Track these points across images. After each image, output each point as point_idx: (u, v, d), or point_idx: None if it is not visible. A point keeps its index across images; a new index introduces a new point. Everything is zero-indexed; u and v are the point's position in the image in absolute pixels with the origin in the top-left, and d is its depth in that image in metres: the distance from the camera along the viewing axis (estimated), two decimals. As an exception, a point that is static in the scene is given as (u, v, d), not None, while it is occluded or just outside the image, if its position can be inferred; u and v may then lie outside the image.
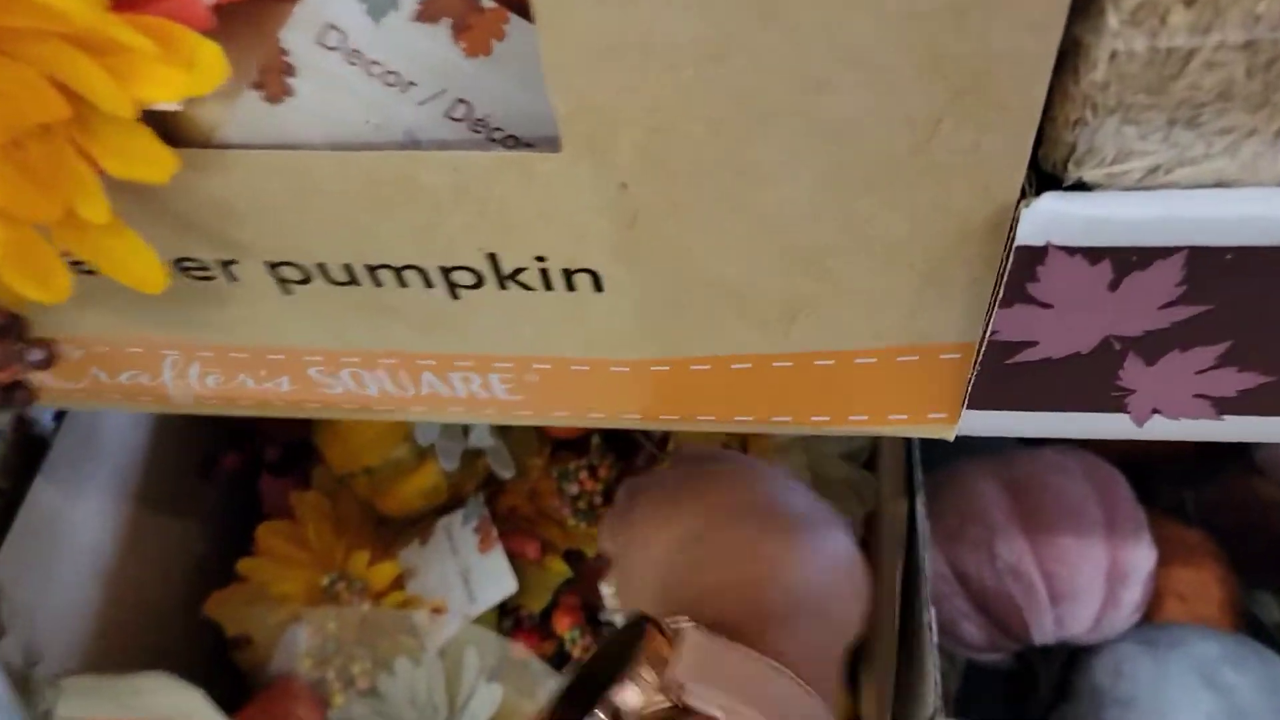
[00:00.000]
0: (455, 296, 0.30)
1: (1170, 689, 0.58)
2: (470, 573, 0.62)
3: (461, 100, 0.26)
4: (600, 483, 0.63)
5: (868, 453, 0.64)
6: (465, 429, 0.61)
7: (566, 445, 0.66)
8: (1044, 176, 0.27)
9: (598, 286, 0.29)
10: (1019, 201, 0.26)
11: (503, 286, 0.29)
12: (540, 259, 0.28)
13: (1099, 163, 0.26)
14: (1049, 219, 0.26)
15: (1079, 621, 0.62)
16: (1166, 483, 0.75)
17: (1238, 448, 0.71)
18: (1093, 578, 0.62)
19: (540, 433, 0.65)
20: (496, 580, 0.62)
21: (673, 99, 0.24)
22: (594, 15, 0.22)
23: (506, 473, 0.63)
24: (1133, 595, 0.62)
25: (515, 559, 0.62)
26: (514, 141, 0.27)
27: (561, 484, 0.63)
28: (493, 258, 0.28)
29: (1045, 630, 0.62)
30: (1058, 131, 0.26)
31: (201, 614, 0.63)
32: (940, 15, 0.22)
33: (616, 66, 0.23)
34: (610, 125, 0.24)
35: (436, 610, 0.62)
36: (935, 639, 0.45)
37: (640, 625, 0.29)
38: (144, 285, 0.27)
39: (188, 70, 0.23)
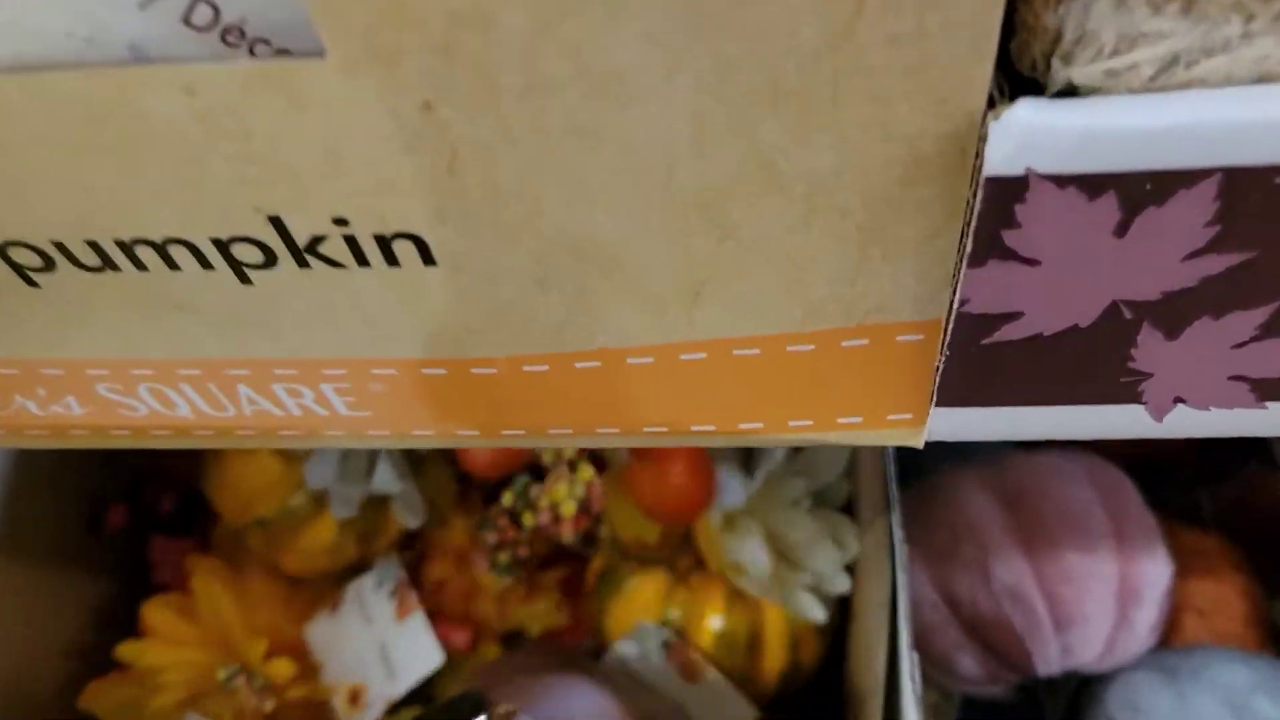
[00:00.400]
0: (245, 280, 0.23)
1: (1197, 725, 0.51)
2: (389, 646, 0.54)
3: (203, 0, 0.19)
4: (526, 531, 0.54)
5: (844, 492, 0.55)
6: (369, 469, 0.52)
7: (497, 485, 0.57)
8: (1019, 81, 0.20)
9: (427, 258, 0.22)
10: (986, 114, 0.19)
11: (302, 263, 0.22)
12: (341, 222, 0.21)
13: (1095, 55, 0.19)
14: (1029, 136, 0.19)
15: (1088, 648, 0.54)
16: (1177, 482, 0.68)
17: (1257, 440, 0.64)
18: (1102, 598, 0.54)
19: (457, 471, 0.57)
20: (419, 653, 0.53)
21: (480, -29, 0.16)
22: None
23: (414, 521, 0.54)
24: (1147, 615, 0.55)
25: (445, 649, 0.54)
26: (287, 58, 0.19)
27: (481, 531, 0.55)
28: (278, 222, 0.21)
29: (1050, 660, 0.54)
30: (1036, 13, 0.19)
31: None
32: None
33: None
34: (392, 11, 0.17)
35: (354, 696, 0.54)
36: (919, 689, 0.37)
37: (475, 699, 0.30)
38: None
39: None
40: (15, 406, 0.28)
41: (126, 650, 0.53)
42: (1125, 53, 0.19)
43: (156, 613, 0.54)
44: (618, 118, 0.19)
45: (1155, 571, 0.55)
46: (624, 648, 0.51)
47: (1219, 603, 0.59)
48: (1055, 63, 0.19)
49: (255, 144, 0.19)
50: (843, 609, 0.56)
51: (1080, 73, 0.19)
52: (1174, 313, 0.22)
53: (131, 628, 0.54)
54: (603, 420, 0.27)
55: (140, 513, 0.59)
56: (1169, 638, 0.58)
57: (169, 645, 0.54)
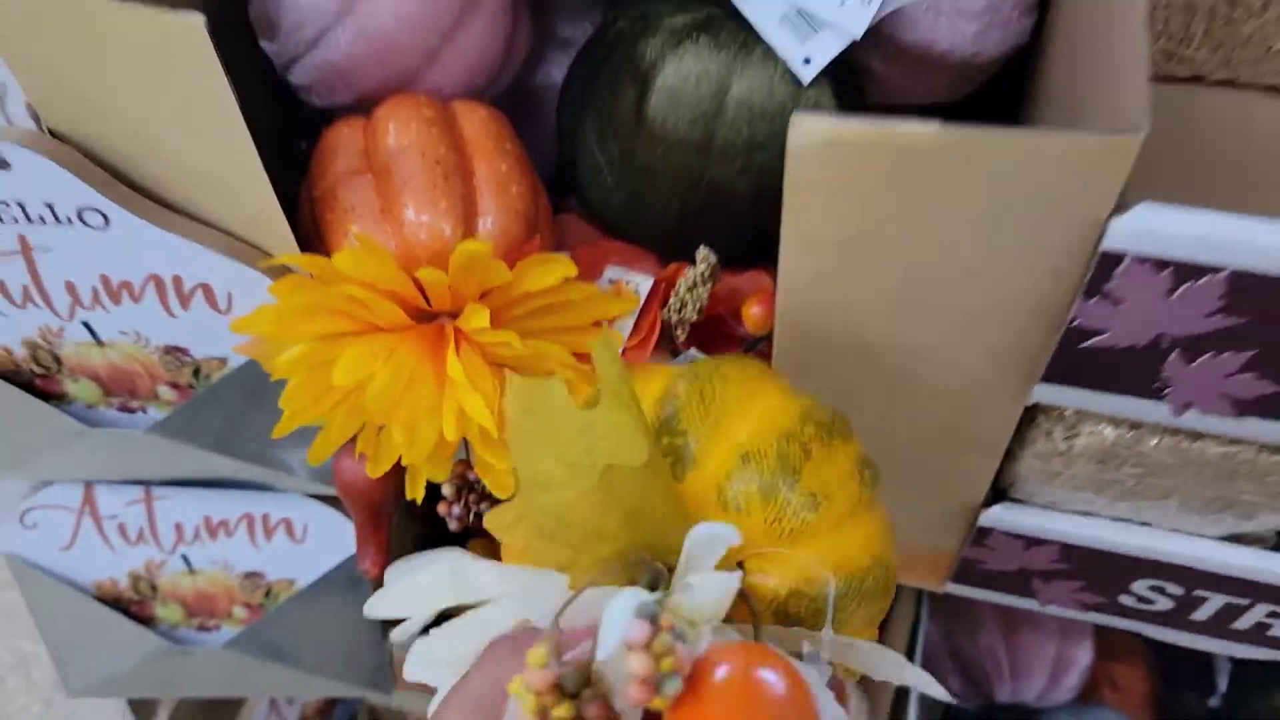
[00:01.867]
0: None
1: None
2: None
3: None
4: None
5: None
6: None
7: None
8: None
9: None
10: (980, 505, 0.51)
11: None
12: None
13: (1026, 494, 0.50)
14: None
15: (1030, 692, 0.84)
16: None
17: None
18: (1043, 664, 0.83)
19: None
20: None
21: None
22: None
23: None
24: (1070, 680, 0.84)
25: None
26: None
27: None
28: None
29: (1005, 693, 0.82)
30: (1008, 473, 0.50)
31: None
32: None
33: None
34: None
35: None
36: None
37: None
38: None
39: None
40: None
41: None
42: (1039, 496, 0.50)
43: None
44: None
45: (1081, 655, 0.83)
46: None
47: (1129, 680, 0.86)
48: (1010, 490, 0.51)
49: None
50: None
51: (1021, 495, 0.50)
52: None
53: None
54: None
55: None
56: (1090, 697, 0.86)
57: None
